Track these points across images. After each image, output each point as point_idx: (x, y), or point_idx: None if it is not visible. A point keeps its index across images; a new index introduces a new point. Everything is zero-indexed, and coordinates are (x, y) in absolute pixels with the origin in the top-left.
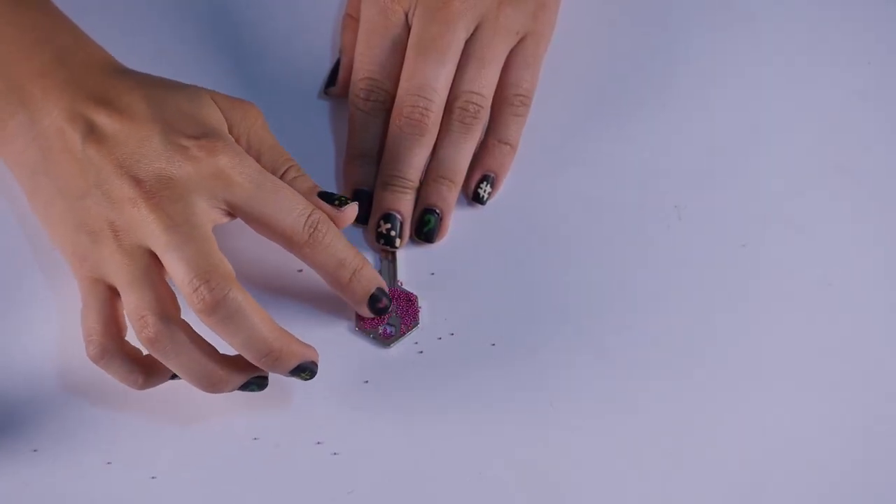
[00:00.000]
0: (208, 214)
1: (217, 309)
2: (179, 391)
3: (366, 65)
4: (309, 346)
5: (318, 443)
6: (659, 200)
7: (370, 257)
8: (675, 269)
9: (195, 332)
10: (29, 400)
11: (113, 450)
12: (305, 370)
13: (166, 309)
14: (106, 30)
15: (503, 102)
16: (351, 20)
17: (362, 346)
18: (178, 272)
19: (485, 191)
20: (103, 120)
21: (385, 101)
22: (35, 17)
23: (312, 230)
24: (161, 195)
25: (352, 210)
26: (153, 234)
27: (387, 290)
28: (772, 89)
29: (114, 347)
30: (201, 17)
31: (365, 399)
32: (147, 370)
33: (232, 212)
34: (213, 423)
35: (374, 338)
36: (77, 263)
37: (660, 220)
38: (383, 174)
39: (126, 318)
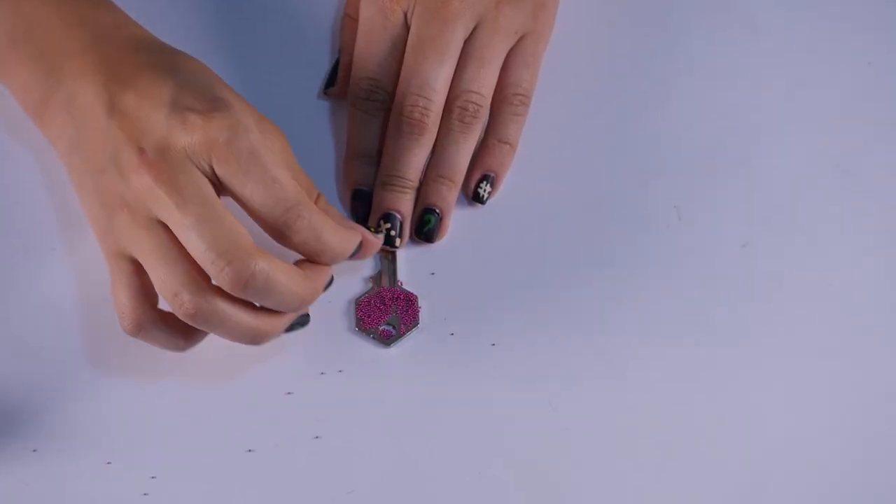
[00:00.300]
0: (204, 185)
1: (247, 286)
2: (180, 391)
3: (365, 65)
4: (323, 269)
5: (318, 441)
6: (659, 200)
7: (370, 258)
8: (675, 269)
9: (276, 263)
10: (29, 400)
11: (113, 450)
12: (303, 322)
13: (196, 281)
14: None
15: (503, 102)
16: (350, 20)
17: (362, 346)
18: (198, 252)
19: (485, 190)
20: (125, 97)
21: (384, 100)
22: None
23: (286, 229)
24: (161, 166)
25: (377, 240)
26: (164, 209)
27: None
28: (772, 89)
29: (147, 319)
30: (201, 17)
31: (365, 399)
32: (186, 332)
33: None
34: (212, 422)
35: (373, 338)
36: (101, 239)
37: (660, 220)
38: (383, 174)
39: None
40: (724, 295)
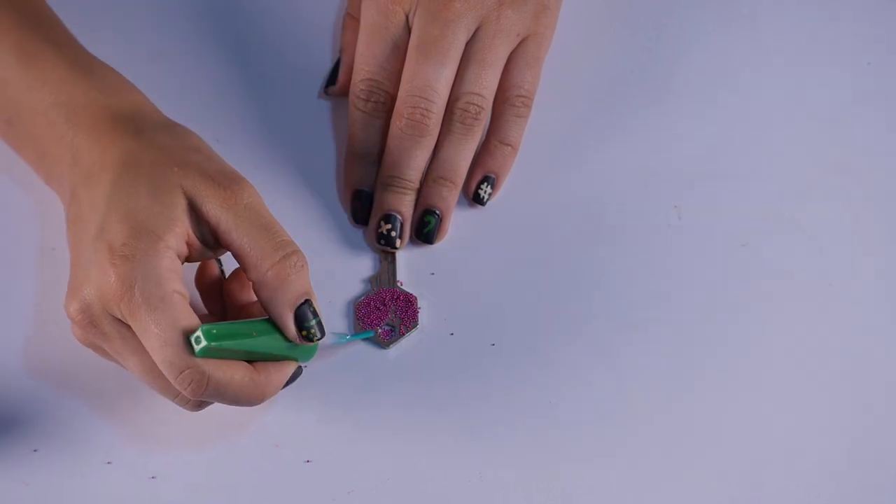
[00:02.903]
0: (128, 337)
1: (203, 399)
2: None
3: (366, 65)
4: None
5: (318, 441)
6: (659, 200)
7: (370, 258)
8: (675, 269)
9: (222, 368)
10: (29, 400)
11: (113, 450)
12: (296, 375)
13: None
14: (107, 30)
15: (504, 103)
16: (351, 20)
17: (361, 347)
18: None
19: (485, 192)
20: (80, 203)
21: (385, 101)
22: (51, 65)
23: (185, 388)
24: (83, 313)
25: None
26: (112, 354)
27: (294, 373)
28: (772, 89)
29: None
30: (201, 17)
31: (364, 399)
32: None
33: None
34: (212, 423)
35: (373, 338)
36: None
37: (660, 220)
38: (384, 175)
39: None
40: (724, 295)
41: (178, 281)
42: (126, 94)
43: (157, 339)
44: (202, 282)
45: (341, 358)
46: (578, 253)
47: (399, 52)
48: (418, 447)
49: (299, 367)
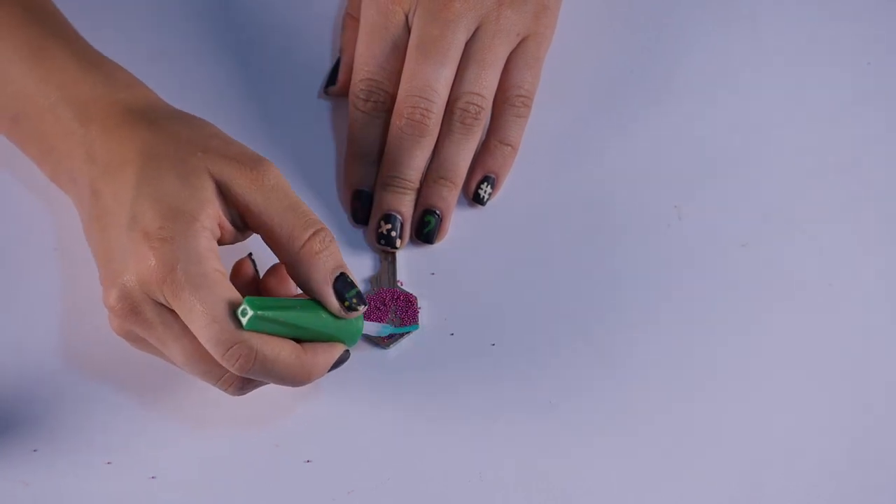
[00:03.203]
0: (170, 321)
1: (249, 379)
2: (180, 391)
3: (366, 65)
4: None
5: (318, 442)
6: (659, 200)
7: (370, 258)
8: (675, 269)
9: (270, 344)
10: (29, 400)
11: (113, 450)
12: (344, 359)
13: (213, 369)
14: (107, 29)
15: (504, 103)
16: (351, 20)
17: (361, 347)
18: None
19: (485, 192)
20: (104, 196)
21: (385, 101)
22: (61, 65)
23: (232, 365)
24: (124, 300)
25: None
26: (154, 343)
27: (342, 357)
28: (772, 89)
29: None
30: (202, 17)
31: (365, 399)
32: None
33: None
34: (212, 422)
35: (373, 338)
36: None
37: (660, 220)
38: (384, 175)
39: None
40: (724, 295)
41: (216, 260)
42: (135, 89)
43: (203, 317)
44: (237, 282)
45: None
46: (578, 253)
47: (399, 52)
48: (418, 447)
49: (346, 352)
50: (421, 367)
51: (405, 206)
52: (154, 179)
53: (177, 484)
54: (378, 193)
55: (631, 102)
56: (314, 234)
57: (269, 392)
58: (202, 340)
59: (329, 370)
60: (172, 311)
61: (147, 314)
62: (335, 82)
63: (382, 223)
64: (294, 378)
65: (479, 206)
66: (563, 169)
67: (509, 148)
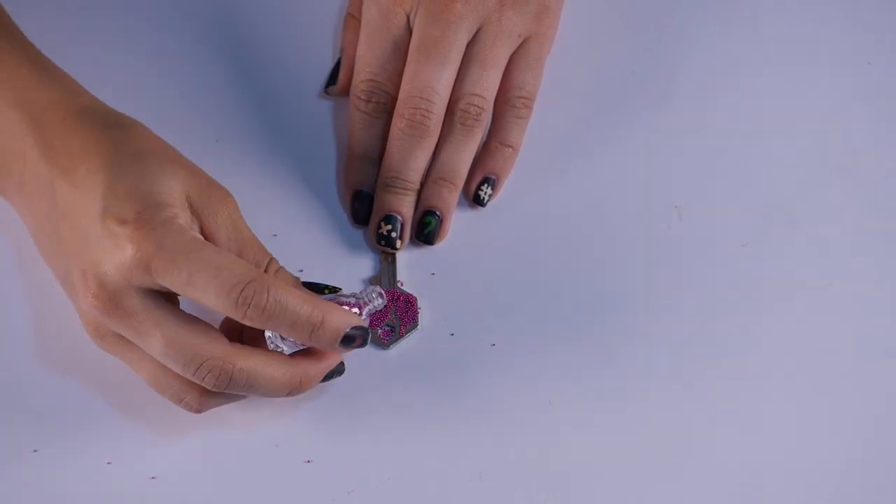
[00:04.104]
0: (153, 304)
1: (231, 387)
2: None
3: (367, 66)
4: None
5: (318, 442)
6: (659, 200)
7: (370, 258)
8: (675, 270)
9: (255, 357)
10: (29, 400)
11: (113, 450)
12: (336, 372)
13: (187, 385)
14: (106, 30)
15: (505, 105)
16: (352, 20)
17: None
18: (176, 368)
19: (485, 193)
20: (66, 194)
21: (386, 102)
22: (10, 74)
23: (247, 307)
24: (103, 296)
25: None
26: (126, 336)
27: (359, 326)
28: (772, 89)
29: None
30: (202, 17)
31: (365, 399)
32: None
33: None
34: (213, 423)
35: (373, 339)
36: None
37: (660, 220)
38: (384, 176)
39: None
40: (724, 295)
41: None
42: (86, 95)
43: (206, 271)
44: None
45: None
46: (578, 253)
47: (400, 52)
48: (418, 447)
49: (342, 364)
50: (421, 367)
51: (405, 207)
52: (124, 175)
53: (177, 484)
54: (378, 194)
55: (632, 103)
56: (270, 262)
57: None
58: (211, 296)
59: (322, 380)
60: (155, 294)
61: (127, 303)
62: (336, 82)
63: (383, 224)
64: (305, 323)
65: (480, 207)
66: (563, 170)
67: (510, 149)
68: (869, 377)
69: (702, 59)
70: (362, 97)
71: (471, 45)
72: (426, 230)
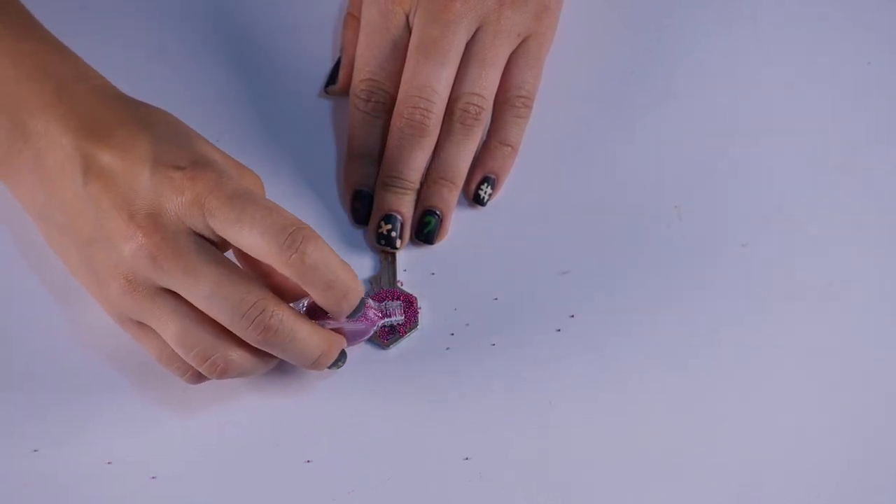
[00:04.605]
0: (206, 247)
1: (272, 340)
2: (180, 391)
3: (366, 65)
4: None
5: (317, 442)
6: (659, 200)
7: (370, 258)
8: (675, 269)
9: (295, 312)
10: (29, 400)
11: (113, 450)
12: (342, 358)
13: (218, 338)
14: (107, 29)
15: (505, 104)
16: (352, 19)
17: (361, 347)
18: (220, 317)
19: (485, 192)
20: (102, 156)
21: (386, 101)
22: (35, 48)
23: (293, 252)
24: (156, 234)
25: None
26: (171, 280)
27: (366, 300)
28: (772, 89)
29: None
30: (202, 17)
31: (365, 399)
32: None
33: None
34: (213, 423)
35: (372, 339)
36: (103, 305)
37: (660, 220)
38: (384, 175)
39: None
40: (724, 295)
41: None
42: (103, 78)
43: (258, 211)
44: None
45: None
46: (578, 253)
47: (399, 52)
48: (418, 447)
49: (343, 353)
50: (421, 367)
51: (405, 207)
52: (168, 135)
53: (177, 484)
54: (378, 194)
55: (631, 103)
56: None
57: (270, 392)
58: (257, 237)
59: (329, 366)
60: (206, 240)
61: (182, 241)
62: (336, 82)
63: (382, 223)
64: (337, 285)
65: (480, 207)
66: (563, 169)
67: (509, 148)
68: (869, 377)
69: (702, 59)
70: (362, 97)
71: (470, 44)
72: (426, 230)
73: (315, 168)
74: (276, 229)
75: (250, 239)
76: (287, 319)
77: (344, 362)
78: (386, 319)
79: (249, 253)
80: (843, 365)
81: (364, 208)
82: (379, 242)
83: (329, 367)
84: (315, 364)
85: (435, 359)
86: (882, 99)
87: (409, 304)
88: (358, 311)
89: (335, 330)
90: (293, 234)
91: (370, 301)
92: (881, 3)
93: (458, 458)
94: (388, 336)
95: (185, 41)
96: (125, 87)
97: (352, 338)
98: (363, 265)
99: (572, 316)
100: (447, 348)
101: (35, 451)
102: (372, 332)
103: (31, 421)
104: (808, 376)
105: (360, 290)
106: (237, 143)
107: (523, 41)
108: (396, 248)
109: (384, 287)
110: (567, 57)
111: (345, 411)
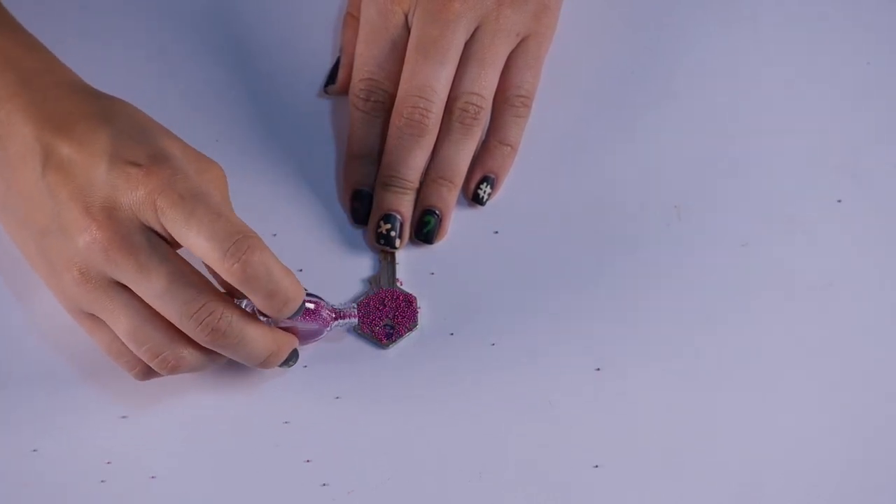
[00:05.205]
0: (159, 244)
1: (222, 340)
2: (180, 391)
3: (366, 65)
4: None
5: (317, 442)
6: (659, 200)
7: (370, 258)
8: (675, 269)
9: (244, 313)
10: (29, 400)
11: (113, 450)
12: (293, 357)
13: (169, 336)
14: (107, 29)
15: (504, 103)
16: (352, 19)
17: (361, 347)
18: (170, 314)
19: (485, 192)
20: (61, 148)
21: (385, 101)
22: (1, 41)
23: (235, 262)
24: (110, 227)
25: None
26: (124, 274)
27: (323, 303)
28: (772, 89)
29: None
30: (201, 17)
31: (364, 399)
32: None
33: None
34: (213, 422)
35: (372, 338)
36: (57, 297)
37: (660, 220)
38: (383, 175)
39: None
40: (724, 295)
41: None
42: (72, 71)
43: (207, 214)
44: None
45: (341, 358)
46: (578, 253)
47: (398, 51)
48: (418, 447)
49: (295, 351)
50: (421, 367)
51: (405, 206)
52: (129, 130)
53: (177, 484)
54: (377, 193)
55: (631, 102)
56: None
57: (269, 392)
58: (203, 242)
59: (280, 365)
60: (159, 237)
61: (135, 238)
62: (335, 81)
63: (382, 223)
64: (277, 293)
65: (479, 206)
66: (562, 169)
67: (509, 148)
68: (869, 377)
69: (701, 58)
70: (361, 96)
71: (469, 43)
72: (425, 229)
73: (314, 168)
74: (221, 236)
75: (196, 241)
76: (235, 322)
77: (295, 361)
78: (340, 321)
79: (195, 254)
80: (843, 365)
81: (363, 208)
82: (378, 242)
83: (280, 366)
84: (263, 364)
85: (435, 359)
86: (882, 99)
87: (409, 303)
88: (297, 314)
89: (288, 329)
90: (238, 243)
91: (323, 301)
92: (881, 3)
93: (458, 457)
94: (387, 336)
95: (185, 41)
96: (124, 88)
97: (305, 337)
98: (362, 265)
99: (572, 316)
100: (447, 348)
101: (35, 451)
102: (326, 333)
103: (31, 421)
104: (808, 376)
105: (300, 299)
106: (236, 142)
107: (522, 41)
108: (396, 248)
109: (383, 287)
110: (567, 56)
111: (345, 411)
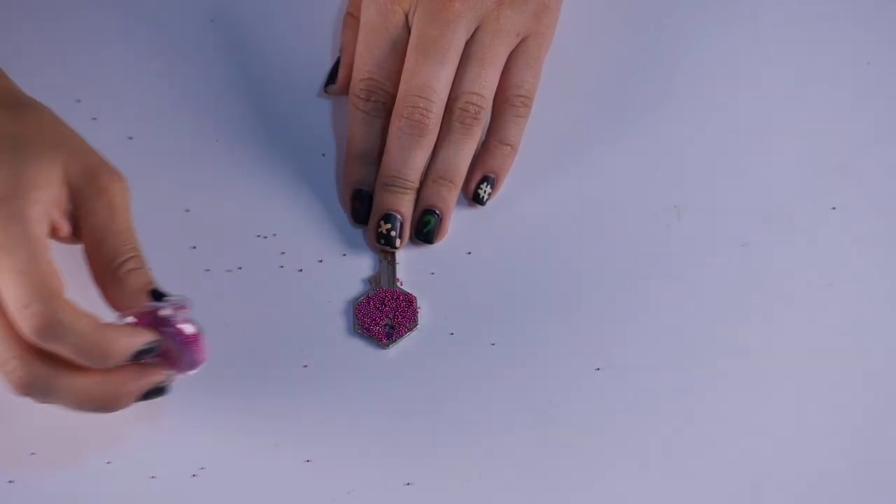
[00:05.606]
0: None
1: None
2: (180, 391)
3: (366, 65)
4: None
5: (317, 442)
6: (659, 200)
7: (370, 258)
8: (675, 269)
9: (57, 366)
10: (28, 400)
11: (113, 450)
12: (159, 390)
13: (24, 350)
14: (106, 29)
15: (504, 103)
16: (352, 19)
17: (360, 347)
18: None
19: (485, 191)
20: None
21: (385, 101)
22: None
23: (32, 334)
24: None
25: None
26: None
27: (151, 342)
28: (772, 89)
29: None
30: (201, 17)
31: (365, 399)
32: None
33: None
34: (212, 422)
35: (372, 338)
36: None
37: (660, 220)
38: (383, 175)
39: None
40: (723, 295)
41: (43, 231)
42: None
43: (10, 276)
44: None
45: (341, 358)
46: (578, 253)
47: (398, 51)
48: (418, 447)
49: (165, 383)
50: (421, 367)
51: (405, 206)
52: (4, 149)
53: (177, 484)
54: (378, 193)
55: (631, 102)
56: (128, 259)
57: (269, 392)
58: (9, 300)
59: (145, 397)
60: None
61: None
62: (335, 81)
63: (382, 223)
64: (90, 349)
65: (479, 206)
66: (562, 169)
67: (509, 148)
68: (869, 377)
69: (701, 59)
70: (361, 96)
71: (469, 43)
72: (425, 229)
73: (314, 168)
74: (19, 300)
75: (5, 298)
76: (42, 376)
77: (163, 393)
78: (181, 312)
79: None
80: (843, 365)
81: (364, 208)
82: (378, 242)
83: (143, 399)
84: (99, 410)
85: (435, 359)
86: (882, 99)
87: (409, 303)
88: (141, 357)
89: (165, 351)
90: (30, 307)
91: (176, 313)
92: (881, 3)
93: (458, 458)
94: (387, 336)
95: (184, 41)
96: (124, 88)
97: (185, 353)
98: (363, 265)
99: (572, 316)
100: (447, 348)
101: (33, 453)
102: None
103: (31, 421)
104: (808, 376)
105: (121, 349)
106: (236, 142)
107: (522, 41)
108: (396, 248)
109: (384, 287)
110: (567, 57)
111: (345, 411)
